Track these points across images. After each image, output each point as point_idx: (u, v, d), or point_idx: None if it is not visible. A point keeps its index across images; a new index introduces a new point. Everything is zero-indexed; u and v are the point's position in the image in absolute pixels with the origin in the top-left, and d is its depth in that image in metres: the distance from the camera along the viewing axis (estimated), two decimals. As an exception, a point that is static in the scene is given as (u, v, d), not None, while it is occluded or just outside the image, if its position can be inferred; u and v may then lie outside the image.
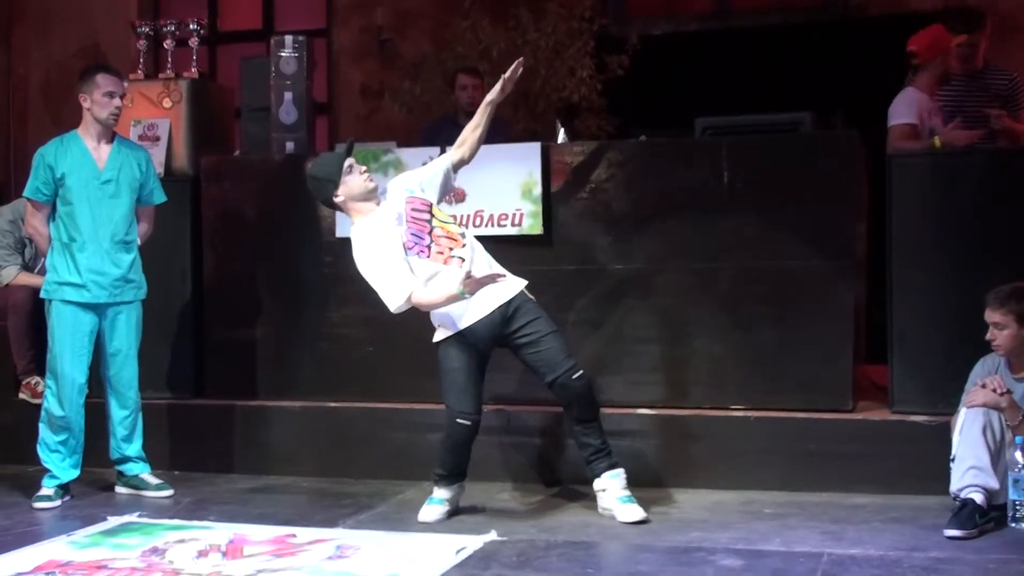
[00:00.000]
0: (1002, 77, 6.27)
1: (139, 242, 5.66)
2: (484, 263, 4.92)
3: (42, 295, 5.55)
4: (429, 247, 4.88)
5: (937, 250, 5.44)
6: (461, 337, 4.94)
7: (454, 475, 5.09)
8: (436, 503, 5.05)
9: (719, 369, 5.67)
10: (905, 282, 5.46)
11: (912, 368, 5.44)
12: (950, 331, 5.35)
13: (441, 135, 6.72)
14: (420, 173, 5.14)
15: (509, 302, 4.91)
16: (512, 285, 4.93)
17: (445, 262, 4.86)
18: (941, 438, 4.94)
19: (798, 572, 4.09)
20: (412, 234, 4.88)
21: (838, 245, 5.56)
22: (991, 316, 4.77)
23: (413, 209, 4.92)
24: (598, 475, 4.96)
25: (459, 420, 4.96)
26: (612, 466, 4.95)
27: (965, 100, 6.18)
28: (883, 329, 5.57)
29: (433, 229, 4.90)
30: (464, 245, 4.90)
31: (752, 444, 5.47)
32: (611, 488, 4.92)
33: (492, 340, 4.96)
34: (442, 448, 5.08)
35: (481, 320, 4.89)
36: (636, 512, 4.84)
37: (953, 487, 4.62)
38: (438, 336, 5.00)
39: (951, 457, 4.70)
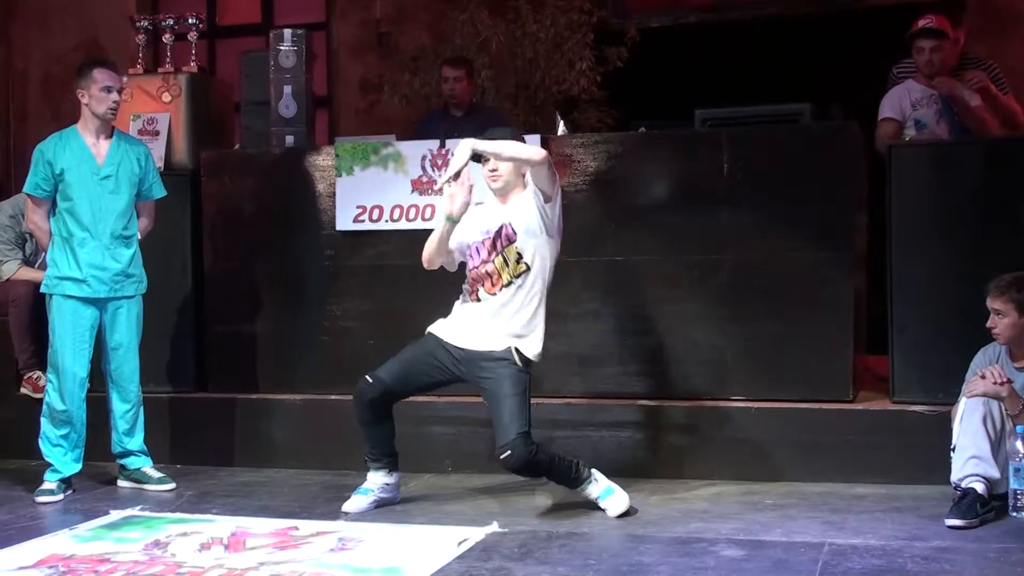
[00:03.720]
0: (980, 67, 6.28)
1: (139, 237, 5.66)
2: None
3: (43, 290, 5.55)
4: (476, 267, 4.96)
5: (937, 241, 5.45)
6: (432, 339, 5.00)
7: (372, 456, 5.08)
8: (360, 493, 5.09)
9: (720, 360, 5.67)
10: (905, 273, 5.47)
11: (912, 358, 5.45)
12: (950, 321, 5.36)
13: (432, 129, 6.73)
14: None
15: (479, 352, 4.90)
16: (495, 341, 4.89)
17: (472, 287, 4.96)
18: (941, 428, 4.94)
19: (799, 562, 4.10)
20: (477, 245, 4.96)
21: (838, 236, 5.56)
22: (992, 303, 4.78)
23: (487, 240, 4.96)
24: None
25: (365, 375, 5.00)
26: (587, 479, 4.91)
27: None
28: (883, 320, 5.58)
29: (490, 262, 4.93)
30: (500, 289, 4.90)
31: (753, 435, 5.48)
32: (591, 488, 4.92)
33: (449, 366, 4.97)
34: None
35: (446, 342, 4.96)
36: (621, 503, 4.85)
37: (954, 477, 4.63)
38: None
39: (951, 447, 4.70)
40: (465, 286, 5.02)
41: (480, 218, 5.00)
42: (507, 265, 4.88)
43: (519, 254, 4.87)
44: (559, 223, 4.93)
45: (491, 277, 4.91)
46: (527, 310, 4.89)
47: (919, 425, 5.26)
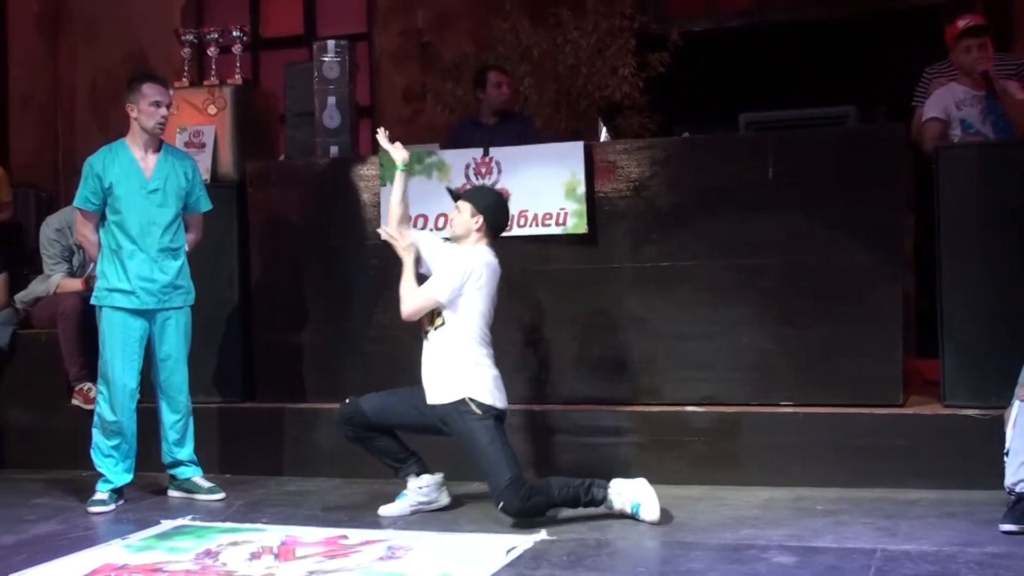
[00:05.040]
0: (1011, 64, 6.26)
1: (188, 249, 5.71)
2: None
3: (92, 302, 5.61)
4: None
5: (987, 242, 5.39)
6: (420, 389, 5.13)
7: (393, 467, 5.22)
8: (398, 498, 5.20)
9: (768, 365, 5.64)
10: (955, 275, 5.42)
11: (963, 361, 5.39)
12: (1001, 323, 5.30)
13: (465, 137, 6.75)
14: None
15: (440, 407, 4.99)
16: (447, 392, 4.97)
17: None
18: (994, 432, 4.86)
19: (852, 568, 4.07)
20: None
21: (886, 238, 5.52)
22: None
23: None
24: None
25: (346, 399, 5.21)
26: (603, 499, 4.88)
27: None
28: (933, 323, 5.53)
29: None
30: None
31: (802, 440, 5.44)
32: (615, 505, 4.88)
33: (430, 418, 5.05)
34: None
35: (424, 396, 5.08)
36: (653, 512, 4.80)
37: (1008, 481, 4.57)
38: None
39: (1004, 451, 4.64)
40: None
41: (444, 253, 5.16)
42: (428, 314, 5.06)
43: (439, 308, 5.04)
44: (466, 302, 4.99)
45: (425, 317, 5.09)
46: (458, 358, 4.97)
47: (971, 429, 5.20)
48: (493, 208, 5.13)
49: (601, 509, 4.89)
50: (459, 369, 4.97)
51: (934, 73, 6.35)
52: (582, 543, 4.53)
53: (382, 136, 5.43)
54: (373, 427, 5.14)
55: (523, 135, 6.81)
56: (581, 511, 4.92)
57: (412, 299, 5.03)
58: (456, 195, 5.19)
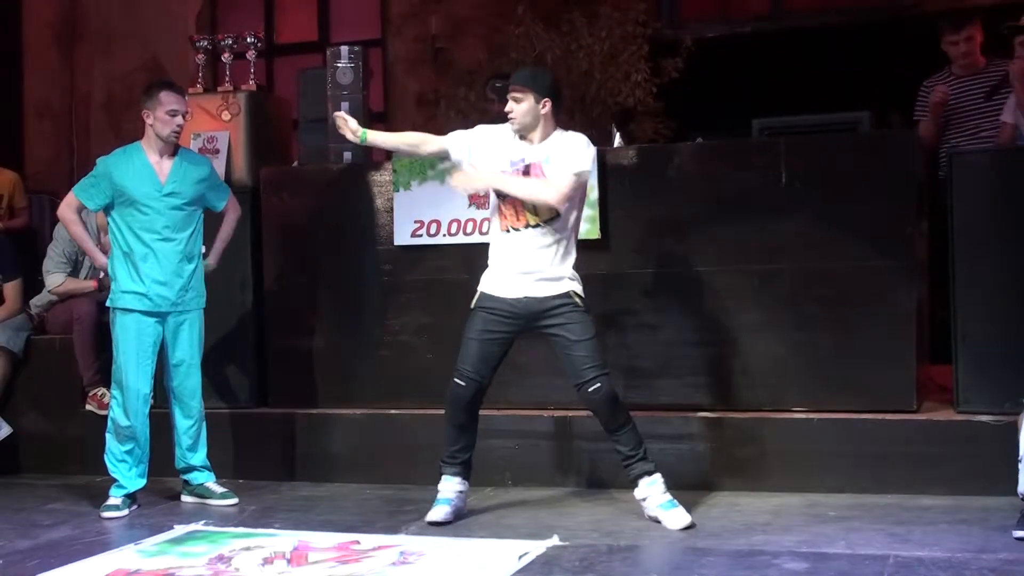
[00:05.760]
0: (1003, 68, 6.24)
1: (231, 228, 5.84)
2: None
3: (107, 304, 5.63)
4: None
5: (1001, 248, 5.37)
6: (487, 304, 4.99)
7: (452, 461, 5.09)
8: (442, 503, 5.08)
9: (780, 371, 5.63)
10: (968, 280, 5.40)
11: (977, 367, 5.37)
12: (1015, 329, 5.29)
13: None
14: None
15: (544, 298, 4.91)
16: (555, 287, 4.92)
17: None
18: (1007, 438, 4.85)
19: (864, 575, 4.05)
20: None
21: (899, 244, 5.50)
22: None
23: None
24: (635, 482, 4.97)
25: (455, 378, 5.01)
26: (647, 472, 4.94)
27: (973, 94, 6.30)
28: (946, 328, 5.51)
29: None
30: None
31: (815, 446, 5.44)
32: (652, 496, 4.92)
33: (518, 322, 4.97)
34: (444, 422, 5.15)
35: (507, 299, 4.96)
36: (682, 518, 4.84)
37: (1021, 487, 4.55)
38: (473, 302, 5.07)
39: (1018, 457, 4.63)
40: (495, 215, 5.05)
41: (504, 144, 5.02)
42: (533, 209, 4.92)
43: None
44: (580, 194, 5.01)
45: (520, 211, 4.95)
46: (565, 253, 4.94)
47: (984, 435, 5.18)
48: (554, 87, 5.00)
49: (635, 474, 4.92)
50: (567, 263, 4.95)
51: (932, 86, 6.35)
52: (594, 549, 4.53)
53: (340, 119, 5.32)
54: (484, 396, 5.05)
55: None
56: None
57: (559, 183, 4.82)
58: (504, 87, 5.03)
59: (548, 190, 4.84)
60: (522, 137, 4.99)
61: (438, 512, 5.04)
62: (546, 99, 4.92)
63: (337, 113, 5.49)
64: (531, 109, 4.91)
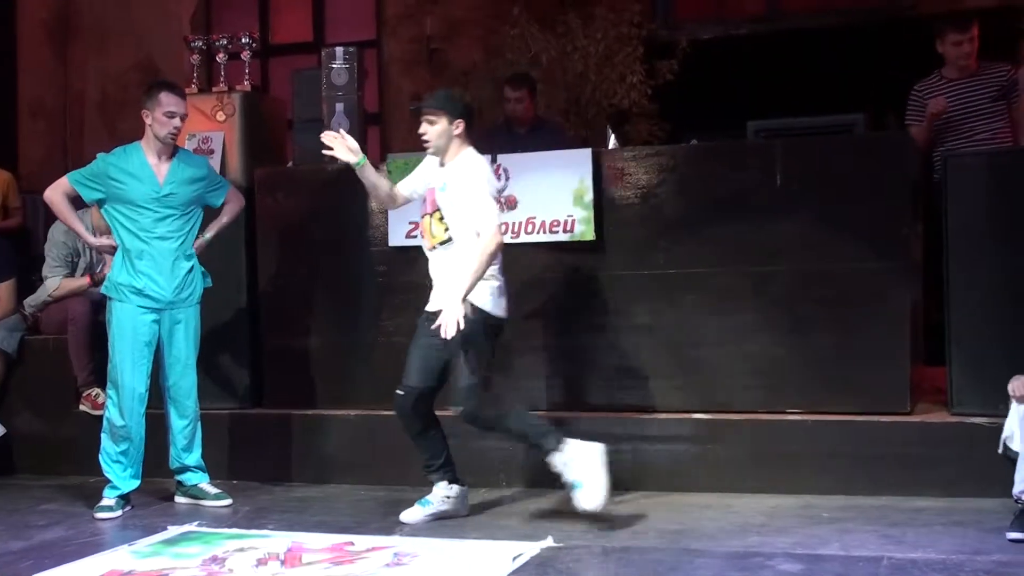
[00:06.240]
0: (999, 71, 6.27)
1: (230, 219, 5.84)
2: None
3: (102, 291, 5.64)
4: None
5: (995, 250, 5.38)
6: (422, 323, 5.11)
7: (427, 470, 5.16)
8: (420, 504, 5.15)
9: (775, 372, 5.63)
10: (962, 283, 5.41)
11: (971, 369, 5.38)
12: (1009, 332, 5.29)
13: (495, 141, 6.73)
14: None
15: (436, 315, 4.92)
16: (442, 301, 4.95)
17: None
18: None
19: (858, 576, 4.06)
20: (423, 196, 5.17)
21: (894, 246, 5.51)
22: None
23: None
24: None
25: (396, 390, 5.12)
26: (544, 447, 4.89)
27: (968, 98, 6.26)
28: (941, 330, 5.51)
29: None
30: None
31: (810, 448, 5.44)
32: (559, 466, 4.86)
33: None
34: None
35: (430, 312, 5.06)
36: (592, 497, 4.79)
37: (1016, 489, 4.57)
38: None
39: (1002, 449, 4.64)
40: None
41: (428, 170, 5.16)
42: (431, 231, 5.03)
43: (445, 224, 5.01)
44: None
45: (425, 233, 5.09)
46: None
47: (979, 437, 5.18)
48: (465, 109, 5.08)
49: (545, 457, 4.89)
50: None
51: (924, 90, 6.35)
52: (588, 550, 4.53)
53: (330, 138, 5.22)
54: (431, 401, 5.10)
55: (555, 144, 6.71)
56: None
57: (488, 227, 4.85)
58: (418, 109, 5.10)
59: (485, 241, 4.86)
60: (441, 162, 5.08)
61: (411, 513, 5.12)
62: (459, 120, 5.00)
63: (337, 132, 5.32)
64: (445, 131, 5.00)
